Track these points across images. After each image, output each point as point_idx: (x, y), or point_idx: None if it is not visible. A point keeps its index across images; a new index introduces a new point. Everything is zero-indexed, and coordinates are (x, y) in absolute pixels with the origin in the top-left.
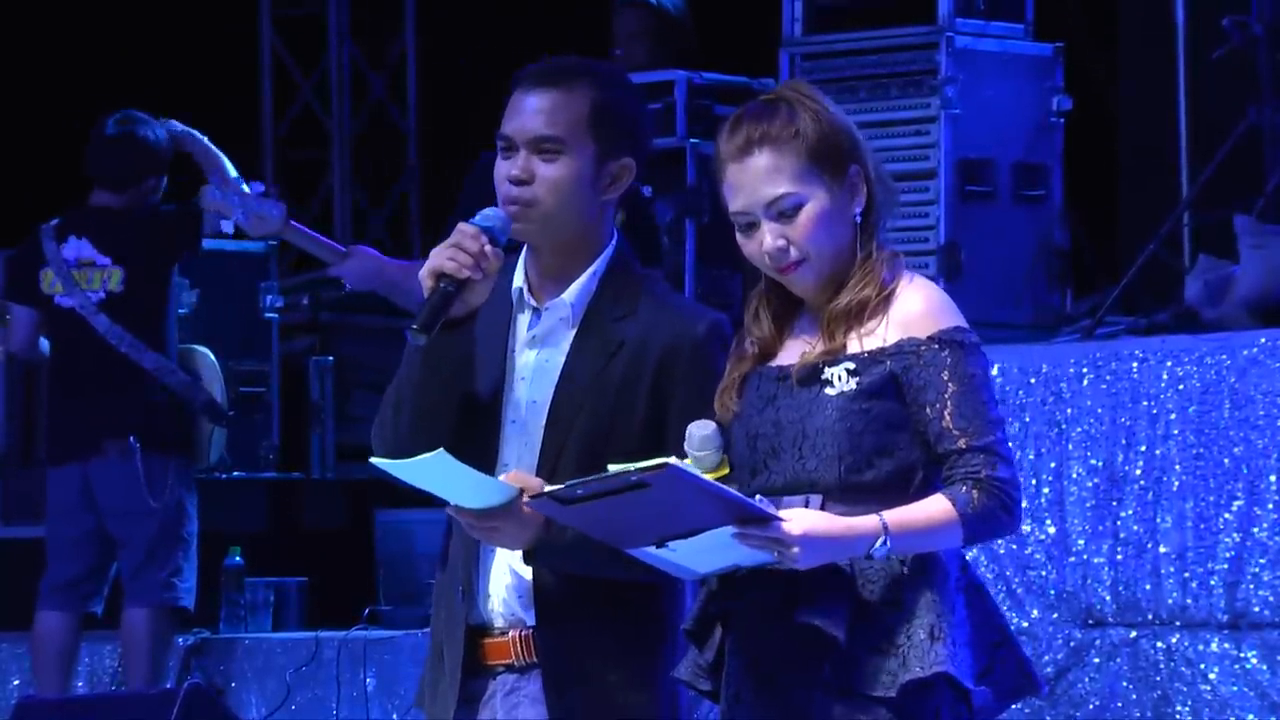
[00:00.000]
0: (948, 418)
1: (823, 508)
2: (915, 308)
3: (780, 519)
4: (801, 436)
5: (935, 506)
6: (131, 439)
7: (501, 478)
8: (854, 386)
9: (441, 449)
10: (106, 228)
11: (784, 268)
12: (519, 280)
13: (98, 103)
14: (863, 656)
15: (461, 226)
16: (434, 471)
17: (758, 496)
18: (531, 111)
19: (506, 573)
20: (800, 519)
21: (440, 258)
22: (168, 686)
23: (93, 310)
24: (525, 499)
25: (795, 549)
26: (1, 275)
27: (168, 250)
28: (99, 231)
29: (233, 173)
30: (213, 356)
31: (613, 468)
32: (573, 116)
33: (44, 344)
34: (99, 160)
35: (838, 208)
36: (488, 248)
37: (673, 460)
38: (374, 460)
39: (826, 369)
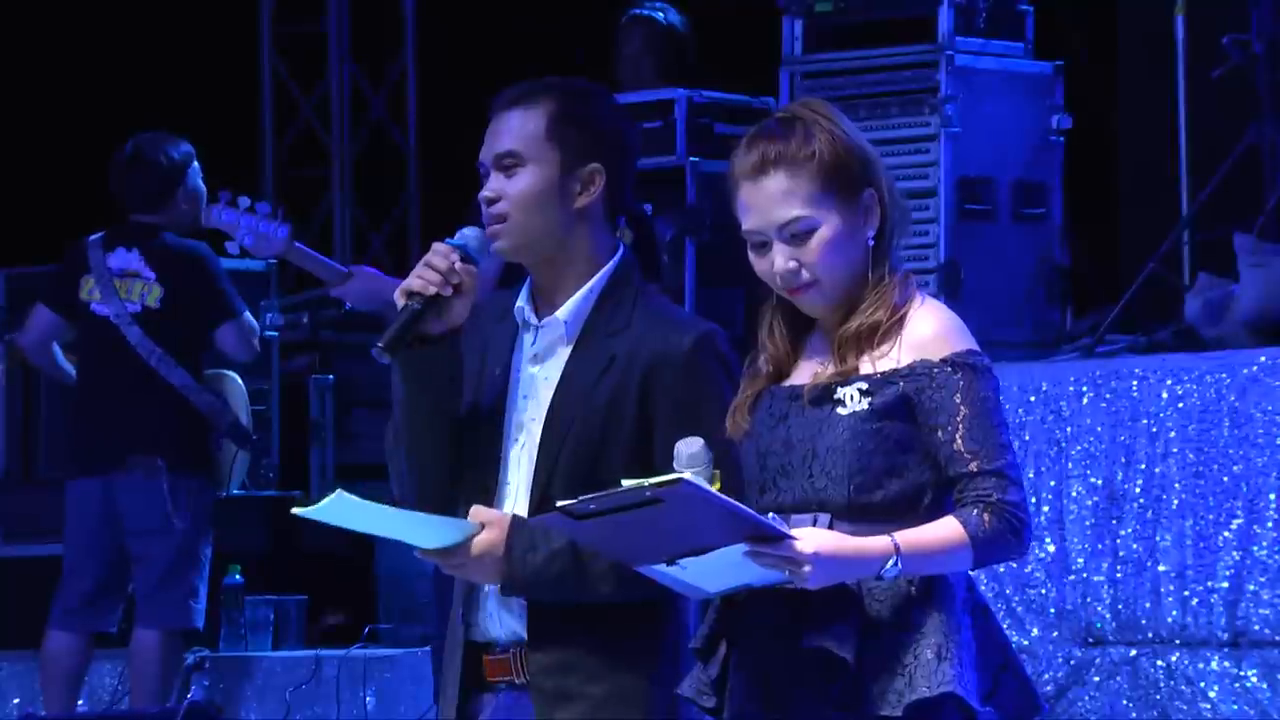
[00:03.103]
0: (959, 441)
1: (830, 527)
2: (928, 330)
3: (792, 537)
4: (812, 455)
5: (946, 529)
6: (160, 459)
7: (470, 515)
8: (866, 407)
9: (340, 491)
10: (159, 247)
11: (795, 289)
12: (522, 299)
13: (99, 122)
14: (870, 676)
15: (435, 245)
16: (359, 513)
17: (770, 514)
18: (495, 133)
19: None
20: (812, 538)
21: (410, 276)
22: (168, 705)
23: (127, 321)
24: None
25: (807, 568)
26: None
27: (202, 313)
28: (150, 247)
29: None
30: (240, 381)
31: (626, 482)
32: (531, 130)
33: (63, 361)
34: (120, 185)
35: (850, 231)
36: (458, 264)
37: (687, 475)
38: (296, 510)
39: (839, 389)
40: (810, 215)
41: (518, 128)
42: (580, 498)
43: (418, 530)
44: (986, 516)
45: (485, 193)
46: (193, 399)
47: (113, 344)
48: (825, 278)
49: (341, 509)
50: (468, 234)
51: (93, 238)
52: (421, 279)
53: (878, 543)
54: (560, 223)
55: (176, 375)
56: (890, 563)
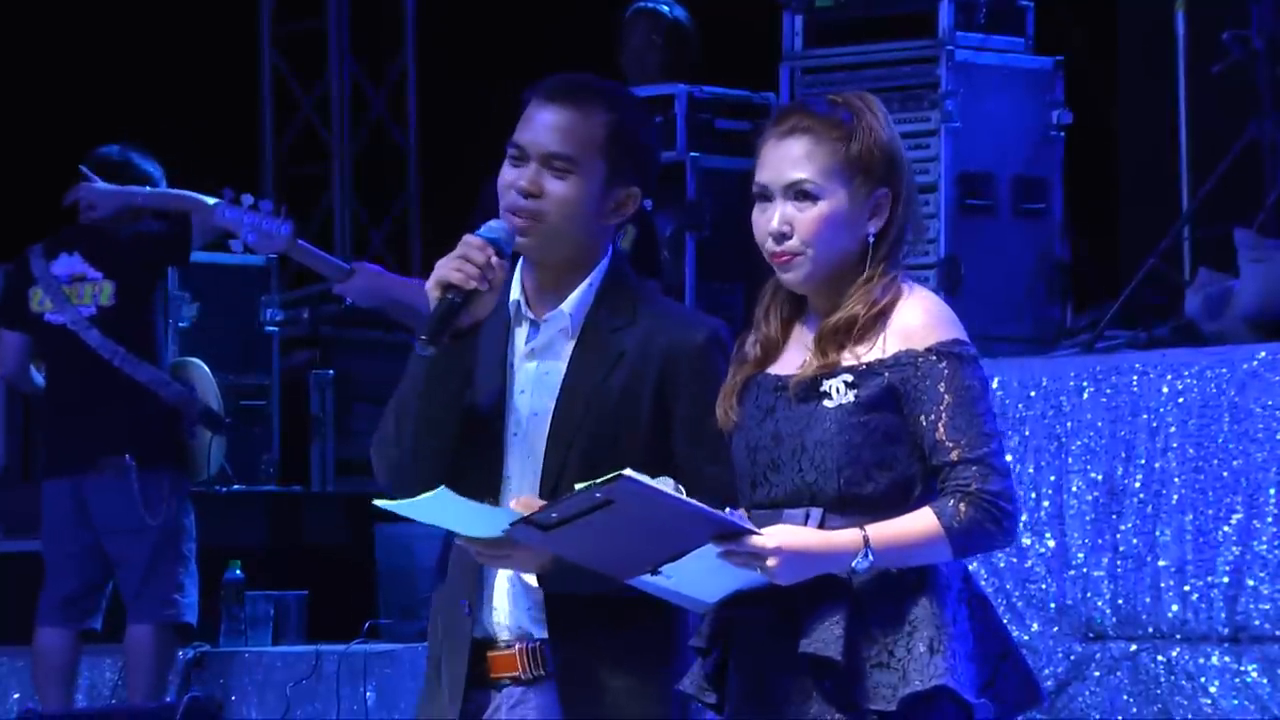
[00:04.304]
0: (942, 430)
1: (823, 521)
2: (915, 320)
3: (755, 531)
4: (801, 449)
5: (920, 521)
6: (128, 456)
7: (512, 503)
8: (852, 399)
9: (443, 486)
10: (96, 242)
11: (780, 253)
12: (516, 293)
13: (101, 119)
14: (863, 670)
15: (467, 238)
16: (439, 507)
17: (727, 509)
18: (548, 126)
19: (513, 586)
20: (777, 533)
21: (447, 269)
22: (168, 700)
23: (84, 326)
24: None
25: (772, 561)
26: None
27: (155, 263)
28: (89, 246)
29: (211, 201)
30: (206, 368)
31: (578, 486)
32: (588, 138)
33: (37, 378)
34: (101, 174)
35: (852, 219)
36: (494, 259)
37: (626, 471)
38: (379, 503)
39: (825, 381)
40: (819, 184)
41: (577, 132)
42: (542, 509)
43: (471, 520)
44: (962, 507)
45: (523, 183)
46: (161, 392)
47: (72, 350)
48: (811, 252)
49: (435, 506)
50: (496, 227)
51: (34, 246)
52: (461, 273)
53: (847, 536)
54: (588, 232)
55: (141, 371)
56: (860, 555)
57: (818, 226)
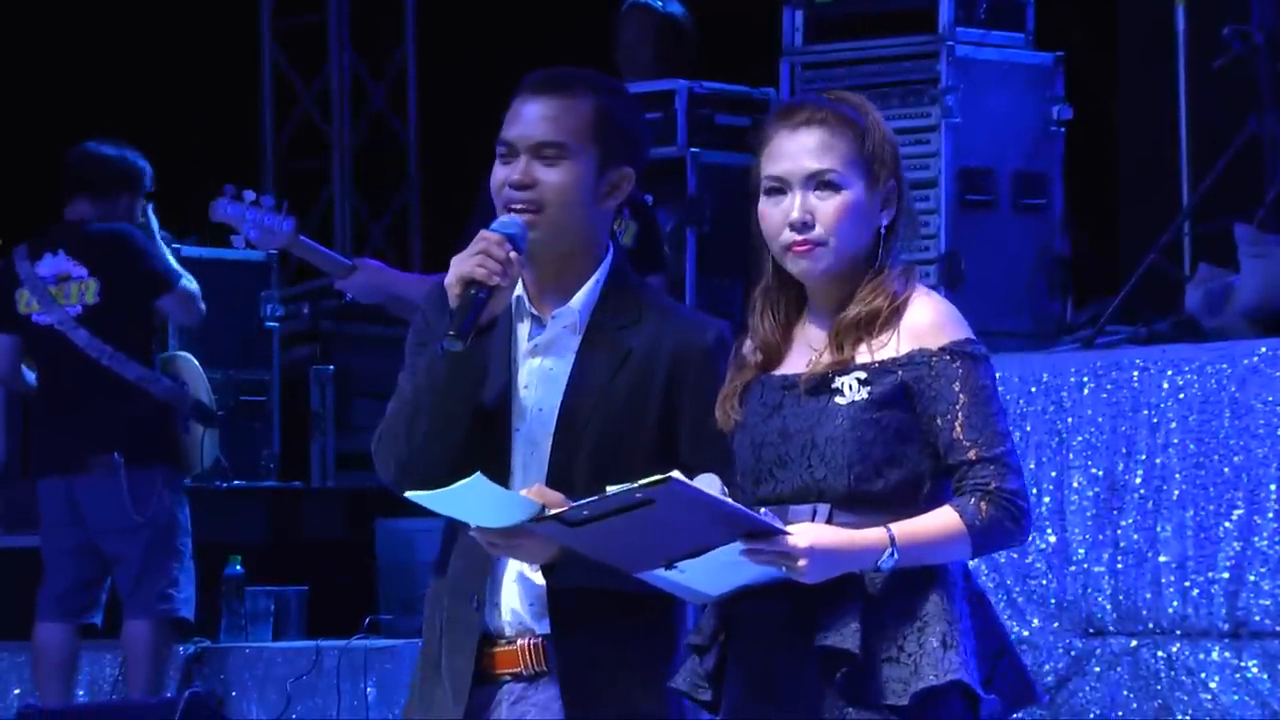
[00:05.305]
0: (958, 429)
1: (830, 517)
2: (925, 319)
3: (787, 532)
4: (810, 445)
5: (943, 519)
6: (116, 455)
7: (523, 492)
8: (865, 396)
9: (479, 474)
10: (81, 239)
11: (799, 243)
12: (517, 289)
13: (101, 115)
14: (874, 665)
15: (485, 234)
16: (467, 497)
17: (762, 509)
18: (534, 118)
19: (517, 581)
20: (807, 532)
21: (469, 265)
22: (169, 696)
23: (71, 325)
24: (531, 522)
25: (802, 562)
26: None
27: (139, 291)
28: (73, 243)
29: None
30: (195, 361)
31: (611, 489)
32: (575, 122)
33: (28, 374)
34: (79, 170)
35: (869, 209)
36: (512, 254)
37: (675, 474)
38: (411, 495)
39: (837, 378)
40: (843, 174)
41: (564, 119)
42: (571, 505)
43: (491, 510)
44: (983, 505)
45: (516, 176)
46: (151, 389)
47: (60, 350)
48: (834, 240)
49: (464, 496)
50: (510, 223)
51: (18, 248)
52: (485, 269)
53: (873, 535)
54: (587, 218)
55: (130, 369)
56: (886, 554)
57: (840, 216)
